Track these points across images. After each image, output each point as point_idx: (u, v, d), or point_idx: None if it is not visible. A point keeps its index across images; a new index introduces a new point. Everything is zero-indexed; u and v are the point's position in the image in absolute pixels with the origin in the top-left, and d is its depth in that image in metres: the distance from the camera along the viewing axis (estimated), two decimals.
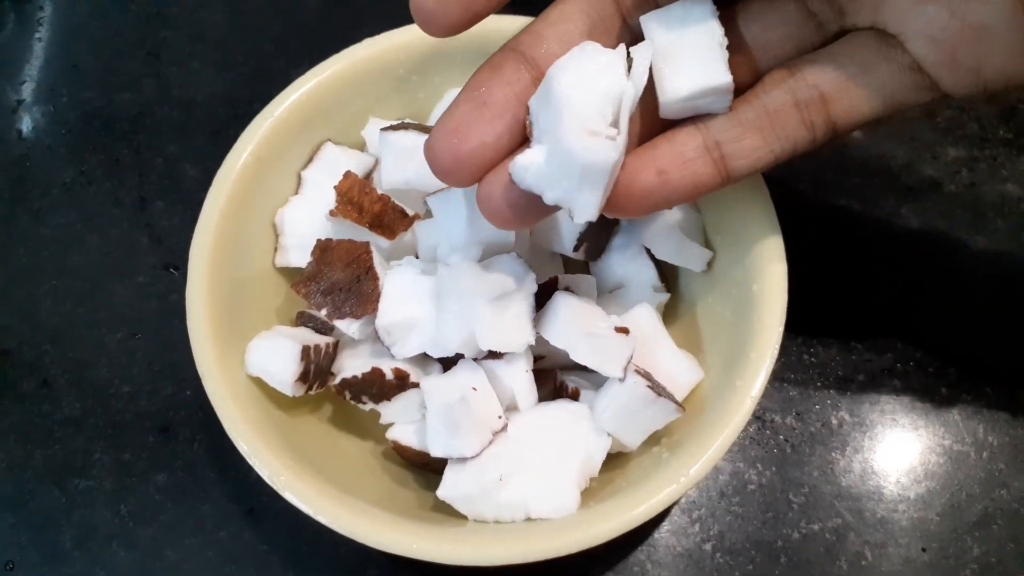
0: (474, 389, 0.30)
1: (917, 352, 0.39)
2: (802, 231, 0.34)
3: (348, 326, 0.32)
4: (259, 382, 0.32)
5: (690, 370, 0.33)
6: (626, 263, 0.35)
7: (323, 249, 0.33)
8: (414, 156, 0.33)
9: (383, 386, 0.32)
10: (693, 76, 0.26)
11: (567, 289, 0.33)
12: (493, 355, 0.31)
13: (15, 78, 0.48)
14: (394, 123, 0.35)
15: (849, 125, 0.28)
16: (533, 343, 0.31)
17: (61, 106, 0.47)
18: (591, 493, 0.31)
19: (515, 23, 0.35)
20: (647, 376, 0.31)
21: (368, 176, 0.37)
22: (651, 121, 0.28)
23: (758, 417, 0.38)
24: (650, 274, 0.35)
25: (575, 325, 0.30)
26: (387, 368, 0.32)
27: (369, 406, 0.33)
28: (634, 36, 0.27)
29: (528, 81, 0.26)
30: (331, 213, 0.33)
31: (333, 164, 0.36)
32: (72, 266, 0.43)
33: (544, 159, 0.25)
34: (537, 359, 0.33)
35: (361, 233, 0.34)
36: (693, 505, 0.37)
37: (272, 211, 0.36)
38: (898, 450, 0.37)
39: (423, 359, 0.33)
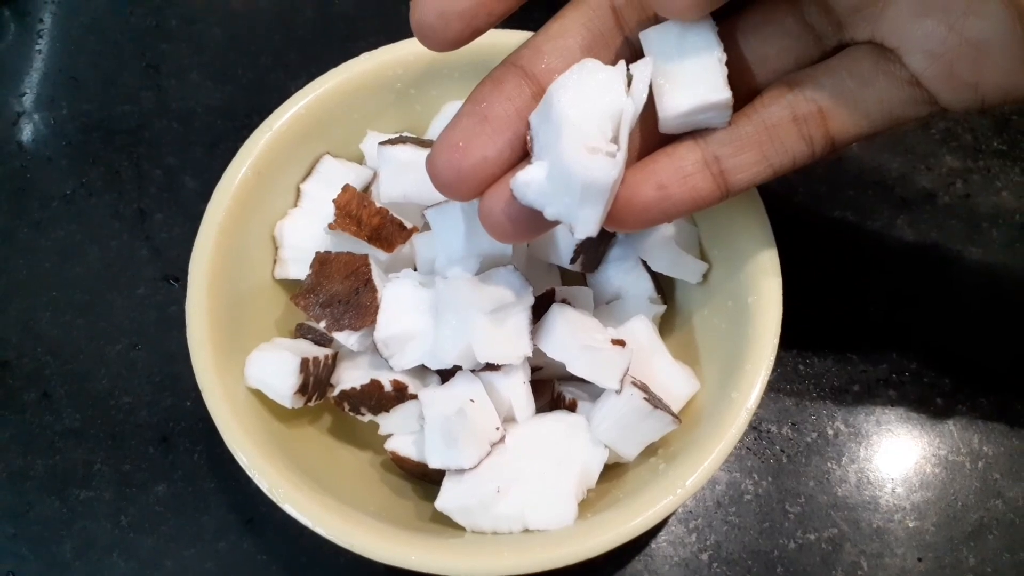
0: (472, 401, 0.31)
1: (912, 363, 0.39)
2: (797, 243, 0.34)
3: (347, 338, 0.32)
4: (258, 394, 0.32)
5: (686, 382, 0.33)
6: (623, 275, 0.35)
7: (322, 262, 0.33)
8: (412, 169, 0.33)
9: (382, 398, 0.32)
10: (692, 92, 0.26)
11: (564, 301, 0.33)
12: (491, 367, 0.31)
13: (15, 90, 0.48)
14: (392, 137, 0.35)
15: (847, 139, 0.28)
16: (530, 355, 0.31)
17: (61, 118, 0.47)
18: (588, 504, 0.31)
19: (513, 38, 0.35)
20: (644, 388, 0.31)
21: (367, 189, 0.37)
22: (650, 135, 0.28)
23: (754, 427, 0.38)
24: (646, 286, 0.35)
25: (572, 337, 0.31)
26: (386, 380, 0.32)
27: (368, 417, 0.33)
28: (634, 50, 0.27)
29: (529, 96, 0.26)
30: (330, 226, 0.34)
31: (332, 177, 0.36)
32: (72, 278, 0.43)
33: (545, 175, 0.25)
34: (534, 370, 0.33)
35: (360, 246, 0.34)
36: (690, 515, 0.37)
37: (271, 224, 0.36)
38: (894, 460, 0.38)
39: (421, 371, 0.33)
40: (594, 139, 0.24)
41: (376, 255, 0.34)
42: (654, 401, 0.31)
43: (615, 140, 0.25)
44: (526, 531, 0.30)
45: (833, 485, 0.37)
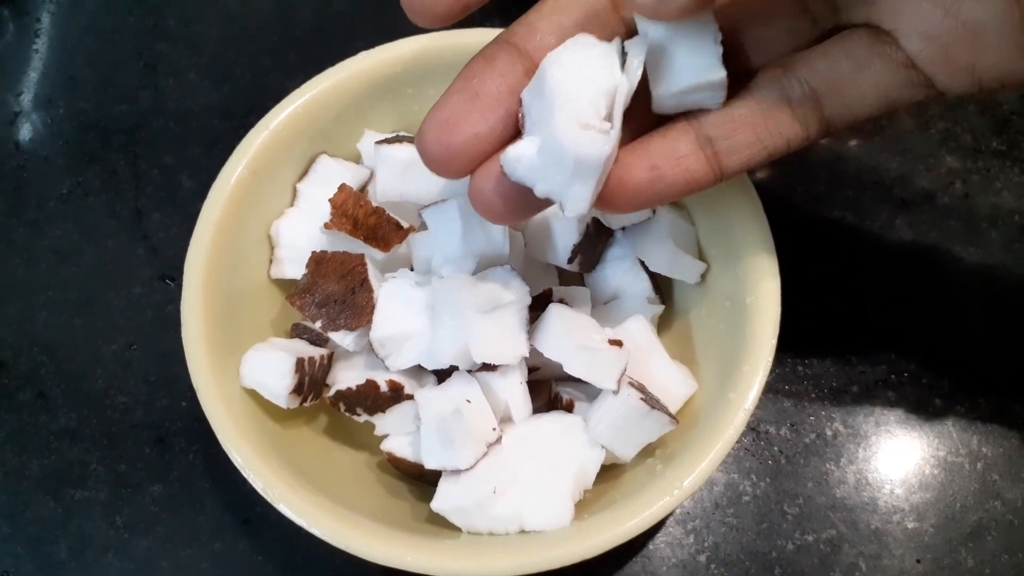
0: (468, 401, 0.31)
1: (911, 363, 0.39)
2: (796, 243, 0.34)
3: (343, 338, 0.32)
4: (254, 394, 0.32)
5: (684, 382, 0.33)
6: (620, 275, 0.35)
7: (318, 261, 0.33)
8: (409, 169, 0.33)
9: (377, 398, 0.32)
10: (687, 70, 0.26)
11: (561, 301, 0.33)
12: (487, 367, 0.31)
13: (13, 89, 0.48)
14: (389, 136, 0.35)
15: (843, 122, 0.28)
16: (527, 355, 0.31)
17: (58, 117, 0.47)
18: (585, 505, 0.31)
19: None
20: (641, 388, 0.31)
21: (363, 189, 0.37)
22: (643, 116, 0.28)
23: (752, 428, 0.38)
24: (644, 286, 0.35)
25: (569, 337, 0.30)
26: (382, 380, 0.32)
27: (364, 418, 0.33)
28: (628, 29, 0.27)
29: (521, 73, 0.26)
30: (326, 225, 0.33)
31: (328, 177, 0.36)
32: (69, 277, 0.43)
33: (536, 151, 0.24)
34: (531, 371, 0.33)
35: (356, 245, 0.34)
36: (688, 516, 0.37)
37: (267, 223, 0.36)
38: (892, 461, 0.37)
39: (418, 371, 0.33)
40: (587, 115, 0.24)
41: (372, 255, 0.34)
42: (651, 402, 0.31)
43: (608, 118, 0.24)
44: (522, 532, 0.30)
45: (832, 486, 0.37)
